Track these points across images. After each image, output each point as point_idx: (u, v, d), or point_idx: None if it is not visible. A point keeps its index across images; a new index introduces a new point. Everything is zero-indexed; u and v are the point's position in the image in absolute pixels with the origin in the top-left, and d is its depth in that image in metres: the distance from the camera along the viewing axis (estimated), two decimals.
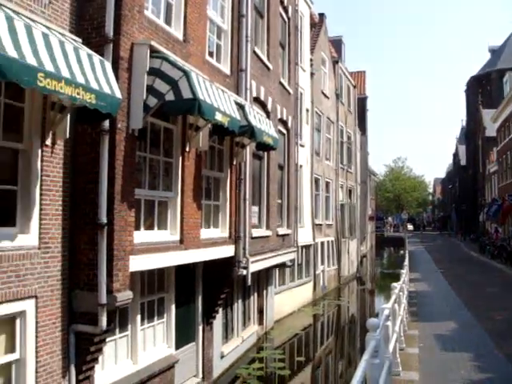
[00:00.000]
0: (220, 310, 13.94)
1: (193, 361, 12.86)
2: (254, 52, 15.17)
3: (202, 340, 13.16)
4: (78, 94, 6.57)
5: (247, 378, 14.47)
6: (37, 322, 7.54)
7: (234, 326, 16.16)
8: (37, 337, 7.54)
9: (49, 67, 6.15)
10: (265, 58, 16.40)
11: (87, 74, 6.90)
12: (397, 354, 9.49)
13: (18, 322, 7.37)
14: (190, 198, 10.91)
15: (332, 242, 32.78)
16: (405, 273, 17.35)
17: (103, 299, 8.05)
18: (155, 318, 11.24)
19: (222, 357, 14.45)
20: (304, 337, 20.70)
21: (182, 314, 12.16)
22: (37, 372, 7.53)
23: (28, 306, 7.41)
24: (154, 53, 9.05)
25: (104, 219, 8.06)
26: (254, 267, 14.49)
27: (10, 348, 7.33)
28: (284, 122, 18.97)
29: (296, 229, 20.80)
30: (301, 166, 23.58)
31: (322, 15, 33.05)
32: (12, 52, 5.68)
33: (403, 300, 13.21)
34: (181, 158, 10.69)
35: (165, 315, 11.60)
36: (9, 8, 6.41)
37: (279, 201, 18.82)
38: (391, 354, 7.98)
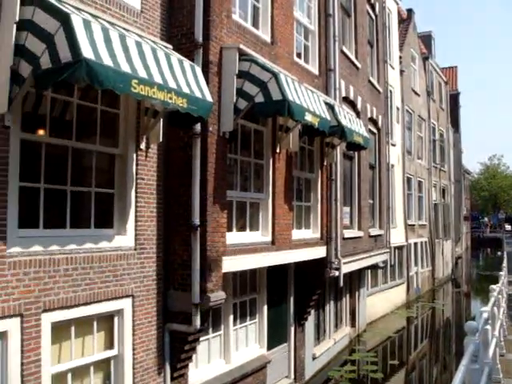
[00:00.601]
0: (312, 311, 13.88)
1: (285, 362, 12.88)
2: (342, 51, 15.02)
3: (293, 341, 13.15)
4: (171, 98, 6.74)
5: (339, 381, 14.35)
6: (133, 320, 7.82)
7: (325, 327, 16.06)
8: (133, 334, 7.82)
9: (142, 74, 6.35)
10: (353, 57, 16.20)
11: (179, 79, 7.07)
12: (497, 360, 9.10)
13: (116, 319, 7.67)
14: (281, 200, 10.95)
15: (425, 242, 31.94)
16: (503, 275, 16.61)
17: (197, 299, 8.21)
18: (247, 318, 11.34)
19: (314, 358, 14.39)
20: (397, 340, 20.26)
21: (273, 314, 12.21)
22: (134, 368, 7.81)
23: (125, 304, 7.69)
24: (243, 56, 9.15)
25: (197, 221, 8.22)
26: (346, 268, 14.34)
27: (109, 344, 7.64)
28: (374, 121, 18.68)
29: (388, 229, 20.43)
30: (392, 166, 23.14)
31: (410, 11, 32.30)
32: (108, 61, 5.90)
33: (502, 303, 12.65)
34: (271, 160, 10.74)
35: (257, 316, 11.69)
36: (104, 19, 6.68)
37: (371, 201, 18.54)
38: (491, 360, 7.66)
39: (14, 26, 5.99)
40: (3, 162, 5.98)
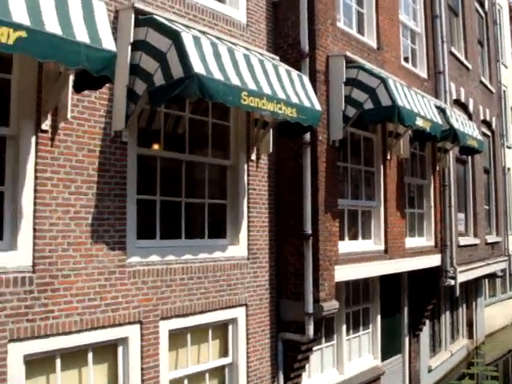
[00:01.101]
0: (426, 321, 13.46)
1: (399, 373, 12.56)
2: (451, 52, 14.54)
3: (408, 352, 12.81)
4: (280, 109, 6.80)
5: None
6: (247, 329, 7.92)
7: (441, 338, 15.53)
8: (247, 343, 7.91)
9: (251, 86, 6.45)
10: (463, 58, 15.64)
11: (287, 89, 7.12)
12: None
13: (230, 328, 7.80)
14: (393, 207, 10.74)
15: None
16: None
17: (310, 308, 8.18)
18: (360, 328, 11.18)
19: (430, 371, 13.94)
20: None
21: (387, 324, 11.95)
22: (248, 376, 7.91)
23: (239, 313, 7.81)
24: (350, 63, 9.07)
25: (309, 230, 8.21)
26: (462, 277, 13.80)
27: (224, 352, 7.79)
28: (487, 124, 17.91)
29: (506, 236, 19.49)
30: (508, 169, 22.06)
31: None
32: (218, 75, 6.05)
33: None
34: (382, 167, 10.57)
35: (370, 326, 11.50)
36: (212, 35, 6.87)
37: (486, 207, 17.77)
38: None
39: (129, 46, 6.29)
40: (122, 176, 6.27)
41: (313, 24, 8.63)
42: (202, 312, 7.19)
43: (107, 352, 6.26)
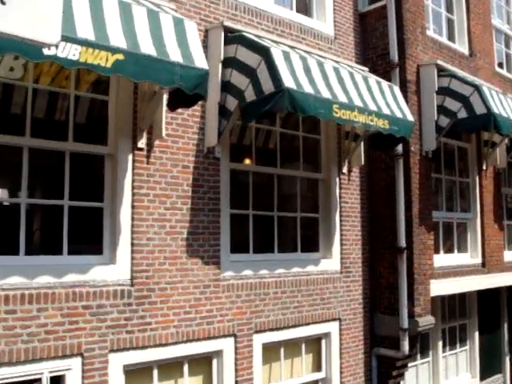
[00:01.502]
0: None
1: None
2: None
3: (510, 372, 12.22)
4: (372, 121, 6.71)
5: None
6: (340, 344, 7.82)
7: None
8: (341, 358, 7.81)
9: (342, 98, 6.42)
10: None
11: (378, 100, 7.03)
12: None
13: (323, 342, 7.73)
14: (491, 219, 10.33)
15: None
16: None
17: (405, 324, 7.98)
18: (457, 345, 10.77)
19: None
20: None
21: (486, 342, 11.45)
22: None
23: (332, 327, 7.73)
24: (441, 71, 8.85)
25: (403, 243, 8.03)
26: None
27: (317, 367, 7.72)
28: None
29: None
30: None
31: None
32: (308, 88, 6.06)
33: None
34: (477, 178, 10.21)
35: (468, 343, 11.05)
36: (300, 49, 6.90)
37: None
38: None
39: (220, 64, 6.41)
40: (215, 191, 6.40)
41: (402, 33, 8.49)
42: (295, 326, 7.17)
43: (202, 364, 6.36)
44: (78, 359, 5.32)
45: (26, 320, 5.02)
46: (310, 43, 7.78)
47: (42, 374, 5.18)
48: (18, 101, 5.79)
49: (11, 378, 4.96)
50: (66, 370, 5.29)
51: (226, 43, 6.50)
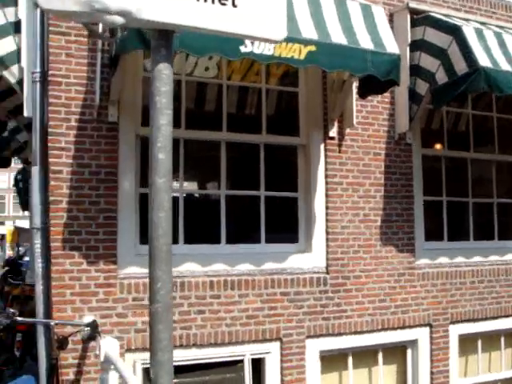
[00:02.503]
0: None
1: None
2: None
3: None
4: None
5: None
6: None
7: None
8: None
9: None
10: None
11: None
12: None
13: None
14: None
15: None
16: None
17: None
18: None
19: None
20: None
21: None
22: None
23: None
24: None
25: None
26: None
27: None
28: None
29: None
30: None
31: None
32: (505, 66, 5.70)
33: None
34: None
35: None
36: (491, 24, 6.50)
37: None
38: None
39: (407, 47, 6.25)
40: (408, 177, 6.27)
41: None
42: (493, 318, 6.82)
43: (396, 354, 6.29)
44: (277, 344, 5.53)
45: (229, 305, 5.32)
46: (501, 17, 7.29)
47: (243, 356, 5.47)
48: (213, 98, 6.13)
49: (216, 358, 5.31)
50: (266, 353, 5.53)
51: (412, 25, 6.32)
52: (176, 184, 5.62)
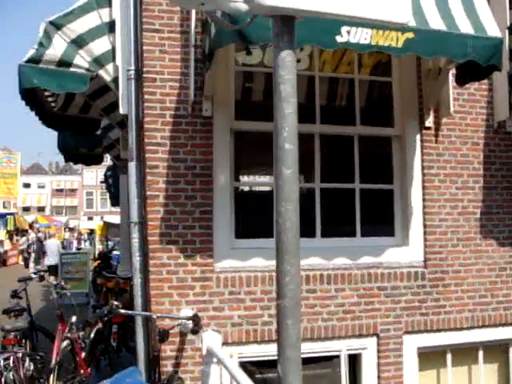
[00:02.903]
0: None
1: None
2: None
3: None
4: None
5: None
6: None
7: None
8: None
9: None
10: None
11: None
12: None
13: None
14: None
15: None
16: None
17: None
18: None
19: None
20: None
21: None
22: None
23: None
24: None
25: None
26: None
27: None
28: None
29: None
30: None
31: None
32: None
33: None
34: None
35: None
36: None
37: None
38: None
39: (506, 31, 5.95)
40: (509, 168, 5.95)
41: None
42: None
43: (498, 352, 6.04)
44: (374, 339, 5.42)
45: (325, 299, 5.26)
46: None
47: (340, 351, 5.39)
48: (304, 90, 6.07)
49: (312, 352, 5.24)
50: (363, 349, 5.43)
51: (511, 7, 6.02)
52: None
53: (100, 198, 66.26)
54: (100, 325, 7.10)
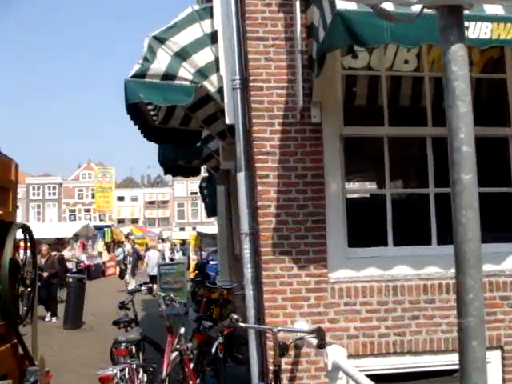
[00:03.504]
0: None
1: None
2: None
3: None
4: None
5: None
6: None
7: None
8: None
9: None
10: None
11: None
12: None
13: None
14: None
15: None
16: None
17: None
18: None
19: None
20: None
21: None
22: None
23: None
24: None
25: None
26: None
27: None
28: None
29: None
30: None
31: None
32: None
33: None
34: None
35: None
36: None
37: None
38: None
39: None
40: None
41: None
42: None
43: None
44: (498, 352, 5.10)
45: (445, 310, 4.99)
46: None
47: None
48: (409, 92, 5.85)
49: (432, 366, 4.99)
50: (486, 362, 5.11)
51: None
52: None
53: (191, 208, 67.81)
54: (219, 337, 7.01)
